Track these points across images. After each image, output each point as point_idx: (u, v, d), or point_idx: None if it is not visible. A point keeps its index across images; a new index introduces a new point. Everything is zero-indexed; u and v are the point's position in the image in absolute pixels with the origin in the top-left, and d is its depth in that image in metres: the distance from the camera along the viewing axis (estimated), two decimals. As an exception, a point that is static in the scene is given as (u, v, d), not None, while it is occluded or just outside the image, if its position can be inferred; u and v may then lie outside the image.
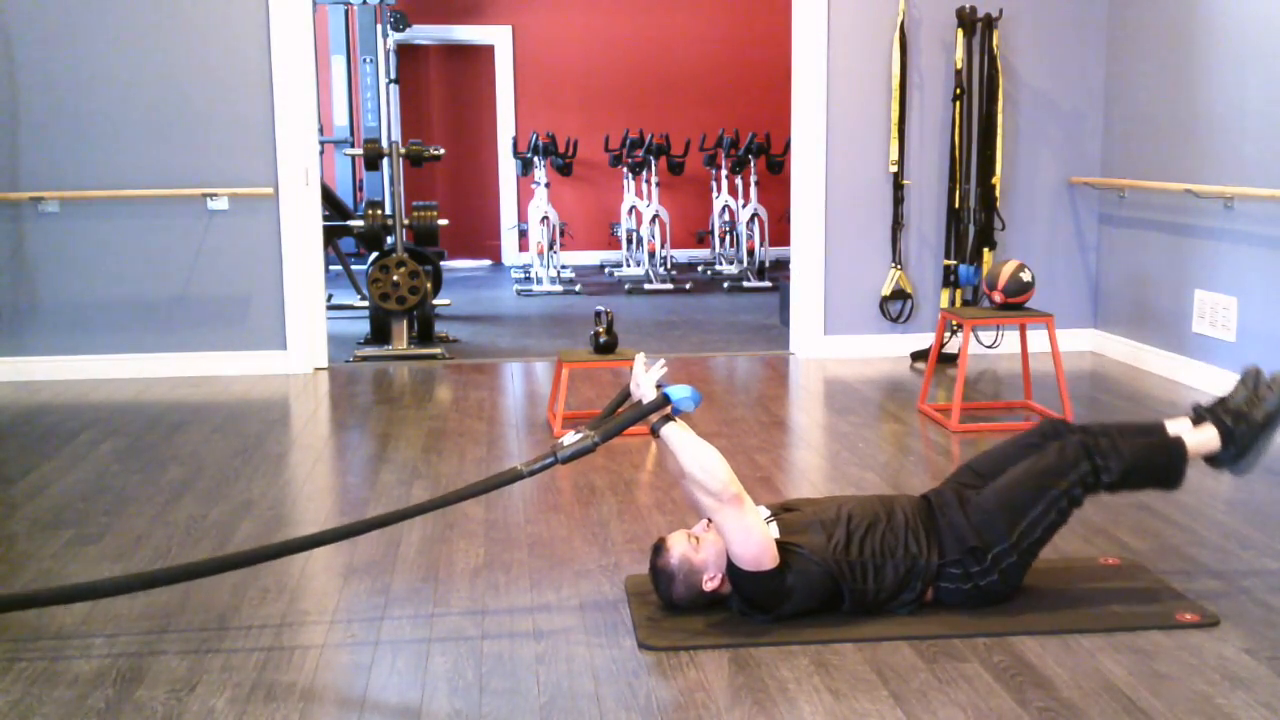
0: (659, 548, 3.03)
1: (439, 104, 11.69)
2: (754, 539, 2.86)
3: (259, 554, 3.09)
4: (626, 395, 3.13)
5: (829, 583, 2.95)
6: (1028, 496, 2.99)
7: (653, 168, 10.30)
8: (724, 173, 10.56)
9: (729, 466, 2.88)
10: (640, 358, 3.13)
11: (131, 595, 3.22)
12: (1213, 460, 3.15)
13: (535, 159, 10.01)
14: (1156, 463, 3.08)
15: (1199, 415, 3.18)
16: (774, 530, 3.00)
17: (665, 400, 2.93)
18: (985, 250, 6.30)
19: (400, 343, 6.80)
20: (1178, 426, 3.17)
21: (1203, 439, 3.12)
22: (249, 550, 3.16)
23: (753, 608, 2.97)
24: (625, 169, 10.54)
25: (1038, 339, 5.27)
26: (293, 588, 3.27)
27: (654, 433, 2.94)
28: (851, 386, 5.85)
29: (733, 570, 2.93)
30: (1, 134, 5.96)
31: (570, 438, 2.97)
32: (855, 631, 2.91)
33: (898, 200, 6.41)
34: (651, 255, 10.07)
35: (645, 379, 3.02)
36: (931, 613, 3.00)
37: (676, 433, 2.92)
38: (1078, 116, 6.52)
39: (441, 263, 8.45)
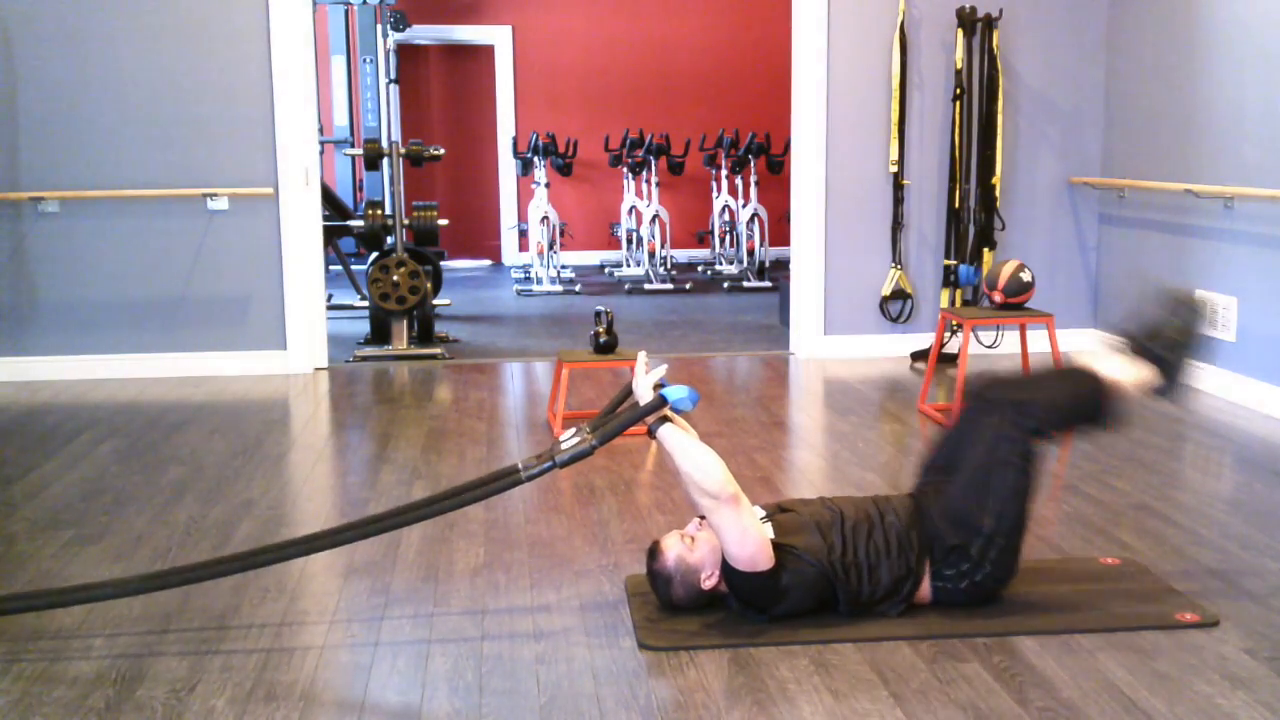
0: (654, 551, 3.03)
1: (439, 104, 11.70)
2: (750, 539, 2.87)
3: (258, 559, 3.09)
4: (627, 395, 3.13)
5: (824, 584, 2.95)
6: (984, 476, 2.96)
7: (653, 168, 10.30)
8: (724, 173, 10.56)
9: (725, 467, 2.88)
10: (642, 357, 3.13)
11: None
12: (1152, 391, 3.14)
13: (535, 159, 10.01)
14: (1083, 398, 3.07)
15: (1125, 344, 3.17)
16: (769, 531, 3.00)
17: (662, 401, 2.93)
18: (985, 250, 6.30)
19: (400, 343, 6.80)
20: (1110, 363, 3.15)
21: (1133, 371, 3.10)
22: (247, 554, 3.14)
23: (748, 607, 2.97)
24: (625, 169, 10.54)
25: (1038, 339, 5.27)
26: (293, 588, 3.26)
27: (651, 434, 2.95)
28: (851, 386, 5.85)
29: (728, 570, 2.93)
30: (1, 134, 5.96)
31: (568, 440, 2.97)
32: (855, 631, 2.91)
33: (898, 200, 6.41)
34: (651, 255, 10.07)
35: (644, 380, 3.02)
36: (931, 613, 3.00)
37: (673, 434, 2.92)
38: (1078, 116, 6.52)
39: (441, 263, 8.45)
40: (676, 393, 2.93)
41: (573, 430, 3.01)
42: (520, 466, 2.97)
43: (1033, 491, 3.01)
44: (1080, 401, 3.09)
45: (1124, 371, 3.11)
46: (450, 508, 3.06)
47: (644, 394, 2.99)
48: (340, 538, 3.06)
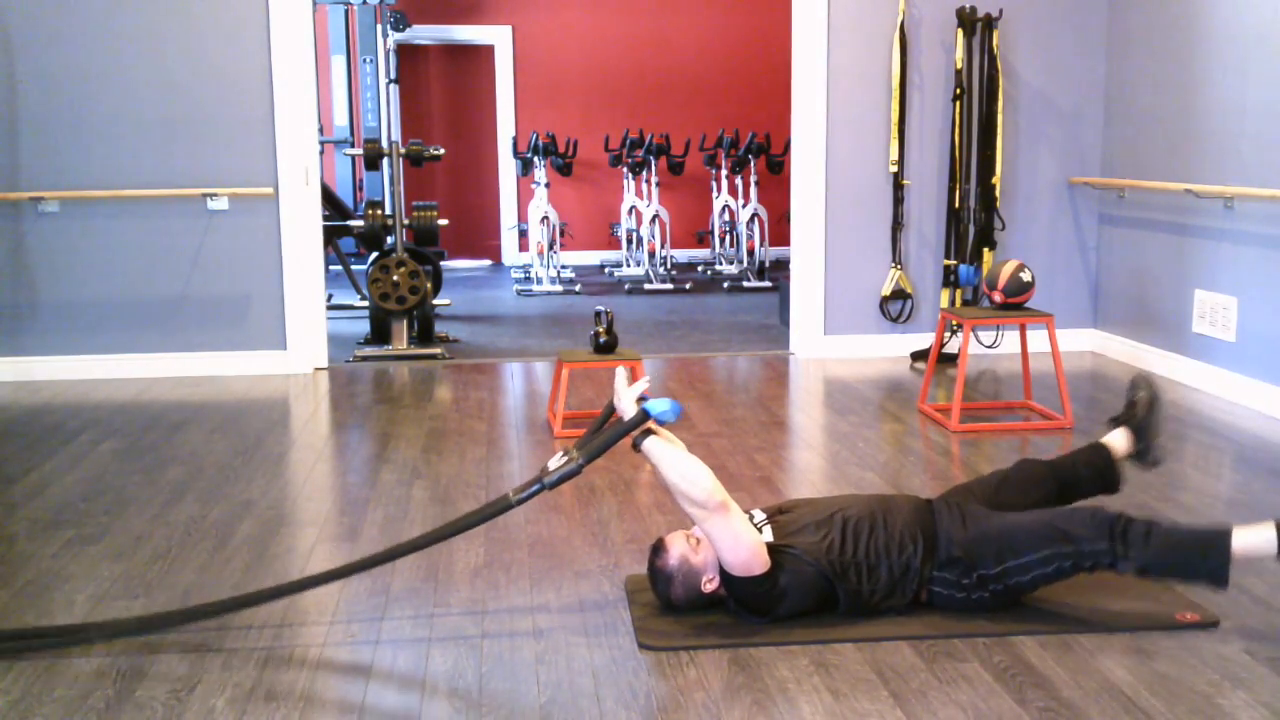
0: (658, 548, 3.03)
1: (439, 104, 11.70)
2: (742, 545, 2.87)
3: (260, 596, 3.05)
4: (611, 411, 3.14)
5: (823, 584, 2.95)
6: (1030, 541, 2.90)
7: (653, 168, 10.30)
8: (724, 173, 10.56)
9: (712, 475, 2.88)
10: (620, 372, 3.14)
11: (132, 596, 3.23)
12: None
13: (535, 159, 10.01)
14: (1190, 560, 2.84)
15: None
16: (768, 534, 3.00)
17: (645, 415, 2.94)
18: (985, 250, 6.30)
19: (400, 343, 6.80)
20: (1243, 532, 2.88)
21: (1256, 539, 2.83)
22: (246, 596, 3.07)
23: (747, 611, 2.97)
24: (625, 169, 10.54)
25: (1038, 339, 5.27)
26: (293, 588, 3.26)
27: (636, 447, 2.95)
28: (851, 386, 5.85)
29: (725, 575, 2.94)
30: (1, 134, 5.96)
31: (556, 461, 3.00)
32: (855, 631, 2.92)
33: (898, 200, 6.41)
34: (651, 255, 10.08)
35: (626, 395, 3.03)
36: (931, 613, 3.00)
37: (657, 446, 2.93)
38: (1078, 116, 6.52)
39: (441, 263, 8.45)
40: (659, 405, 2.94)
41: (561, 452, 3.02)
42: (510, 494, 2.99)
43: (1049, 583, 2.95)
44: (1185, 566, 2.86)
45: (1247, 538, 2.82)
46: (443, 538, 3.05)
47: (627, 409, 3.00)
48: (334, 576, 3.05)
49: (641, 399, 3.00)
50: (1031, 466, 3.32)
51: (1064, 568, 2.89)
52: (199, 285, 6.16)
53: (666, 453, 2.92)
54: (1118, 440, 3.39)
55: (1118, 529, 2.86)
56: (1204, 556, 2.83)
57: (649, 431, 2.95)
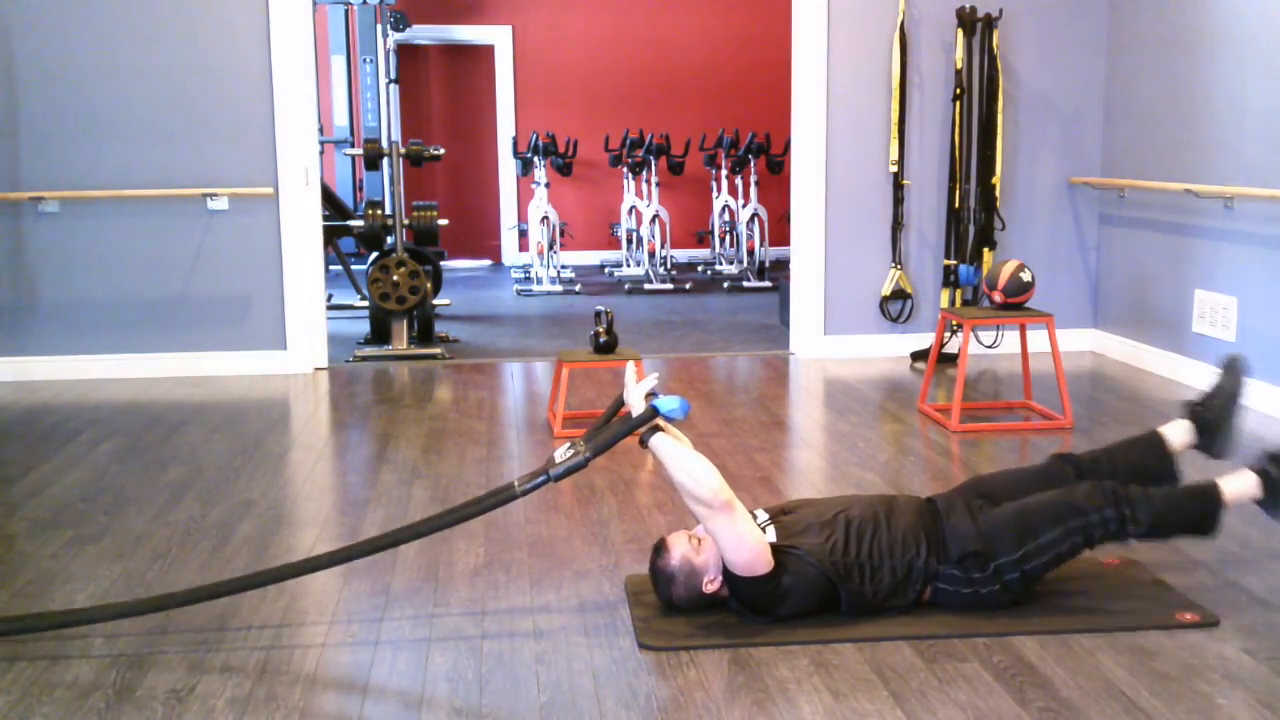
0: (660, 548, 3.03)
1: (439, 104, 11.70)
2: (746, 545, 2.87)
3: (255, 580, 3.06)
4: (620, 405, 3.14)
5: (825, 584, 2.95)
6: (1044, 521, 2.99)
7: (653, 168, 10.30)
8: (724, 173, 10.56)
9: (719, 474, 2.88)
10: (631, 367, 3.13)
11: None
12: (1256, 502, 3.15)
13: (535, 159, 10.01)
14: (1188, 512, 3.08)
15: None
16: (771, 534, 3.00)
17: (654, 412, 2.94)
18: (985, 250, 6.30)
19: (400, 343, 6.80)
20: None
21: (1239, 486, 3.12)
22: (244, 578, 3.08)
23: (750, 610, 2.97)
24: (625, 169, 10.54)
25: (1038, 339, 5.27)
26: (293, 588, 3.26)
27: (643, 444, 2.95)
28: (851, 386, 5.85)
29: (728, 575, 2.94)
30: (1, 134, 5.96)
31: (562, 453, 2.99)
32: (855, 631, 2.92)
33: (898, 200, 6.41)
34: (651, 255, 10.08)
35: (635, 390, 3.03)
36: (931, 613, 3.00)
37: (665, 444, 2.93)
38: (1078, 116, 6.52)
39: (441, 263, 8.44)
40: (668, 403, 2.94)
41: (567, 444, 3.02)
42: (515, 483, 2.99)
43: (1065, 561, 3.04)
44: (1185, 517, 3.08)
45: (1231, 484, 3.12)
46: (447, 525, 3.05)
47: (636, 404, 3.00)
48: (334, 560, 3.05)
49: (650, 395, 3.00)
50: (1060, 471, 3.27)
51: (1077, 543, 3.00)
52: (199, 285, 6.16)
53: (674, 450, 2.92)
54: (1176, 432, 3.36)
55: (1121, 495, 3.00)
56: (1201, 510, 3.07)
57: (657, 428, 2.95)
